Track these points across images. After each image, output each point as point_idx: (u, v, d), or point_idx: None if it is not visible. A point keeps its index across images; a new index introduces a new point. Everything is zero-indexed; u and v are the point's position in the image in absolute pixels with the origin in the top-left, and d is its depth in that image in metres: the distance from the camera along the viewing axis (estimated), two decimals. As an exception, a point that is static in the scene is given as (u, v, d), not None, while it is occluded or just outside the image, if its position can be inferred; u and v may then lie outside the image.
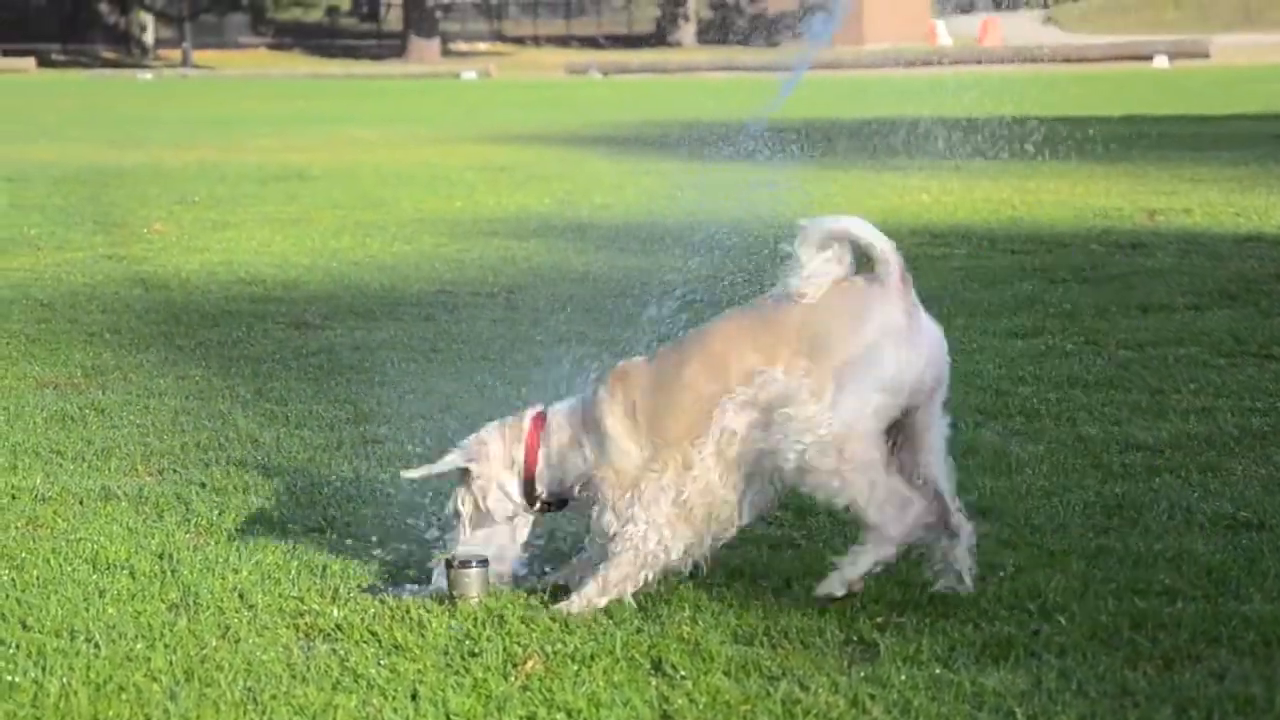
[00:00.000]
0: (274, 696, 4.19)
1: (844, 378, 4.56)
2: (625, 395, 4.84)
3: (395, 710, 4.10)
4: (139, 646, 4.53)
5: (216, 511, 5.80)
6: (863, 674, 4.26)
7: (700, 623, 4.65)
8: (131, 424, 7.21)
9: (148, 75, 59.18)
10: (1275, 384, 7.46)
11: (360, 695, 4.20)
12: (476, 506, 5.00)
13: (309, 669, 4.37)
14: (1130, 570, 4.97)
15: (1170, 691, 4.07)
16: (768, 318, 4.70)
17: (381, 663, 4.41)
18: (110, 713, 4.08)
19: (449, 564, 4.89)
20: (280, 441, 6.85)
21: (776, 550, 5.32)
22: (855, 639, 4.52)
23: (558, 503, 5.03)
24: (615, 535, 4.78)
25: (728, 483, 4.75)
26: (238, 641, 4.58)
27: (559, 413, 5.01)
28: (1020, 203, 14.65)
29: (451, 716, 4.06)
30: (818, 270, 4.63)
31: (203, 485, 6.17)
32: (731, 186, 17.41)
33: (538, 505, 5.03)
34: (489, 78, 53.88)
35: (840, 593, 4.65)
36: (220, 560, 5.27)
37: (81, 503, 5.98)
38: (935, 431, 4.75)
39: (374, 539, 5.47)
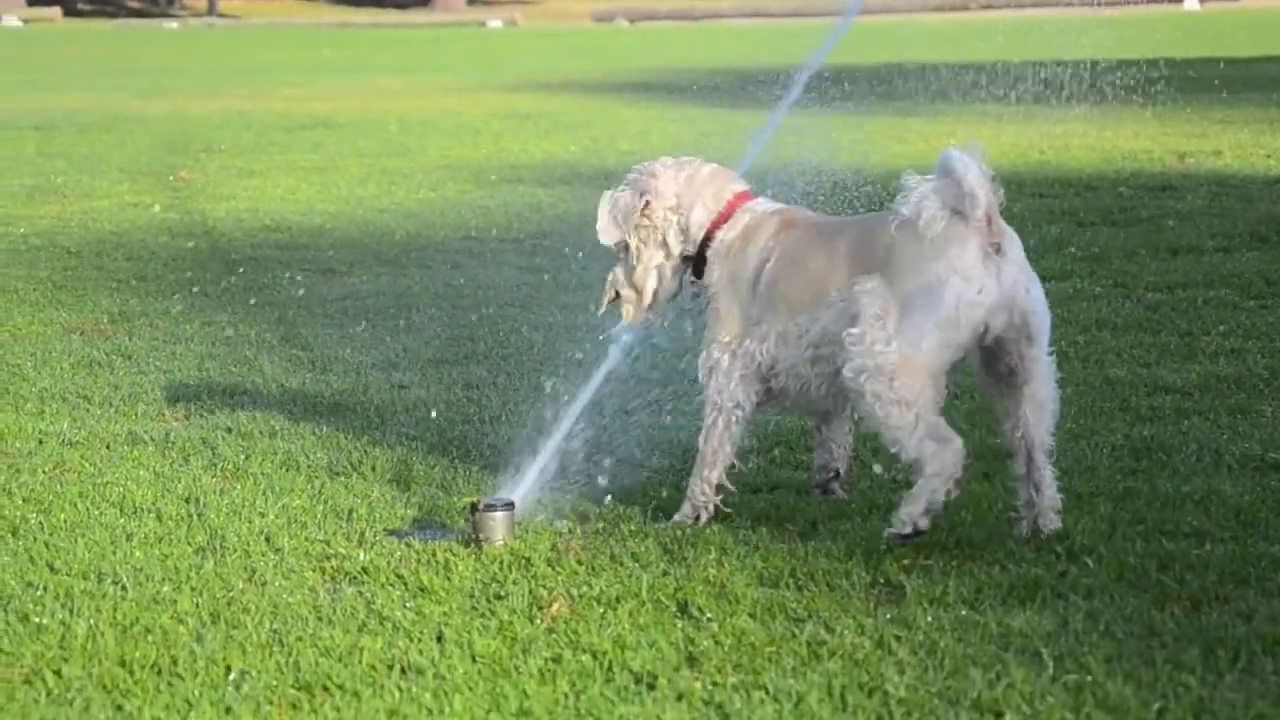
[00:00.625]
0: (300, 638, 4.20)
1: (908, 306, 4.61)
2: (776, 245, 4.96)
3: (421, 652, 4.10)
4: (166, 589, 4.55)
5: (243, 456, 5.81)
6: (889, 616, 4.25)
7: (726, 565, 4.64)
8: (158, 369, 7.22)
9: (174, 24, 59.09)
10: (1305, 326, 7.42)
11: (386, 637, 4.20)
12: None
13: (335, 611, 4.38)
14: (1158, 512, 4.95)
15: (1198, 632, 4.05)
16: (871, 232, 4.78)
17: (407, 605, 4.42)
18: (137, 654, 4.09)
19: (474, 507, 4.89)
20: (306, 386, 6.86)
21: (803, 494, 5.31)
22: (881, 581, 4.51)
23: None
24: (702, 386, 5.05)
25: (819, 375, 4.89)
26: (264, 584, 4.59)
27: (758, 209, 5.10)
28: (1048, 147, 14.56)
29: (477, 658, 4.06)
30: (921, 199, 4.61)
31: (229, 430, 6.18)
32: (759, 133, 17.33)
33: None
34: (515, 26, 53.67)
35: (908, 530, 4.64)
36: (246, 504, 5.28)
37: (108, 447, 6.00)
38: (1036, 384, 4.74)
39: (400, 483, 5.48)
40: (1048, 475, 4.81)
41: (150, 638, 4.21)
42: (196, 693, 3.90)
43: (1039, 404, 4.76)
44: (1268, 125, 15.72)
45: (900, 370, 4.60)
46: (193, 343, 7.77)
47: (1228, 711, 3.63)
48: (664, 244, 5.13)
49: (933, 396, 4.64)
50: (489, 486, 5.35)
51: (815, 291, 4.85)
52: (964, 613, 4.25)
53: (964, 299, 4.59)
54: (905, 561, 4.61)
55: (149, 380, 7.02)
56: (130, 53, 39.22)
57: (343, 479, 5.54)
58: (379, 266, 9.85)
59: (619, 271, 5.18)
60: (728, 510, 5.01)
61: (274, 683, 3.95)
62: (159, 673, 4.02)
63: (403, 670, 4.01)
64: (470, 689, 3.89)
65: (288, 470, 5.65)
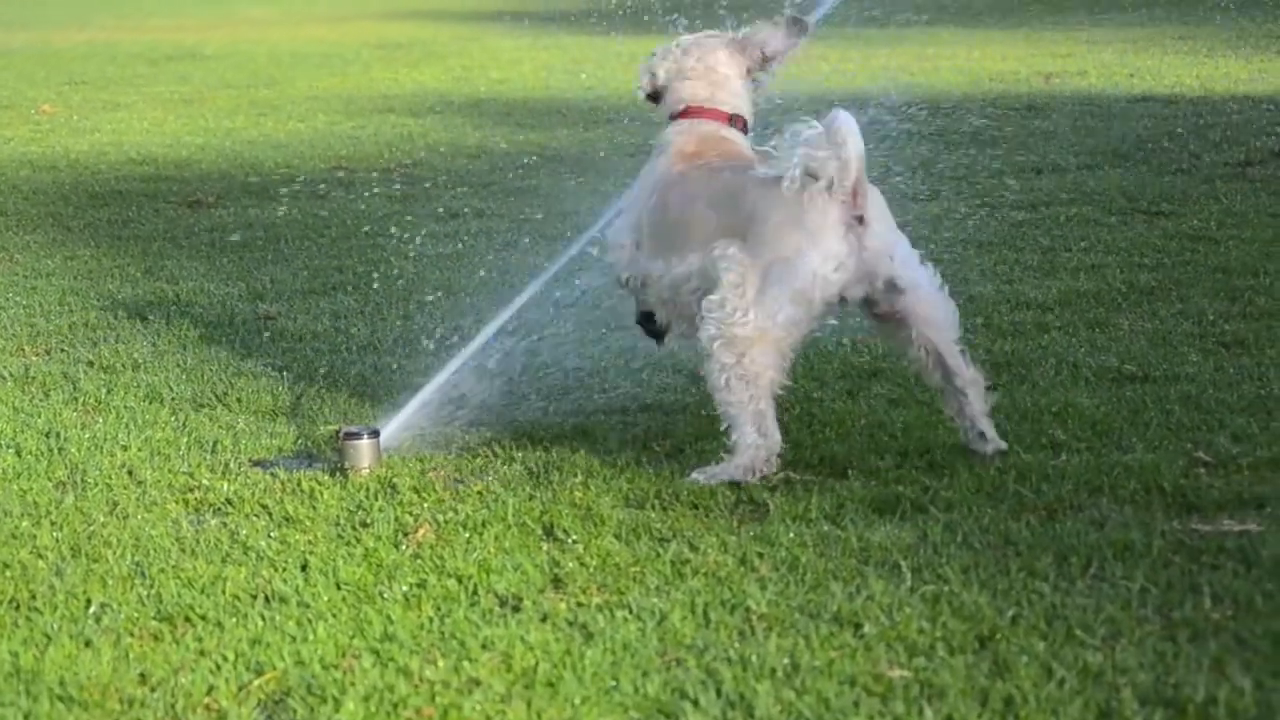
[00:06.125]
0: (162, 570, 4.16)
1: (767, 279, 4.60)
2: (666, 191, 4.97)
3: (285, 581, 4.09)
4: (25, 524, 4.49)
5: (105, 390, 5.74)
6: (752, 533, 4.29)
7: (592, 488, 4.66)
8: (17, 304, 7.10)
9: (36, -44, 57.81)
10: (1163, 240, 7.54)
11: (250, 567, 4.18)
12: None
13: (198, 543, 4.35)
14: (1016, 425, 5.02)
15: (1051, 540, 4.13)
16: (735, 190, 4.75)
17: (272, 535, 4.40)
18: (-6, 590, 4.05)
19: (338, 435, 4.87)
20: (170, 319, 6.78)
21: (670, 415, 5.34)
22: (745, 500, 4.54)
23: None
24: None
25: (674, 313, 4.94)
26: (126, 517, 4.55)
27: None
28: (918, 69, 14.65)
29: (341, 586, 4.05)
30: (792, 162, 4.56)
31: (91, 364, 6.09)
32: (631, 60, 17.30)
33: None
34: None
35: (701, 481, 4.65)
36: (109, 437, 5.22)
37: (-34, 385, 5.90)
38: (924, 305, 4.72)
39: (266, 414, 5.43)
40: (971, 374, 4.75)
41: (8, 573, 4.16)
42: (55, 626, 3.86)
43: (928, 318, 4.74)
44: (1131, 45, 15.91)
45: (754, 343, 4.61)
46: (54, 277, 7.65)
47: (1079, 616, 3.70)
48: None
49: (774, 377, 4.65)
50: (356, 416, 5.32)
51: (689, 237, 4.84)
52: (826, 528, 4.29)
53: (819, 275, 4.58)
54: (770, 480, 4.65)
55: (7, 315, 6.90)
56: (-9, -15, 38.33)
57: (207, 411, 5.50)
58: (246, 198, 9.74)
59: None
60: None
61: (135, 615, 3.91)
62: (17, 607, 3.97)
63: (266, 599, 4.00)
64: (334, 615, 3.89)
65: (151, 403, 5.59)
